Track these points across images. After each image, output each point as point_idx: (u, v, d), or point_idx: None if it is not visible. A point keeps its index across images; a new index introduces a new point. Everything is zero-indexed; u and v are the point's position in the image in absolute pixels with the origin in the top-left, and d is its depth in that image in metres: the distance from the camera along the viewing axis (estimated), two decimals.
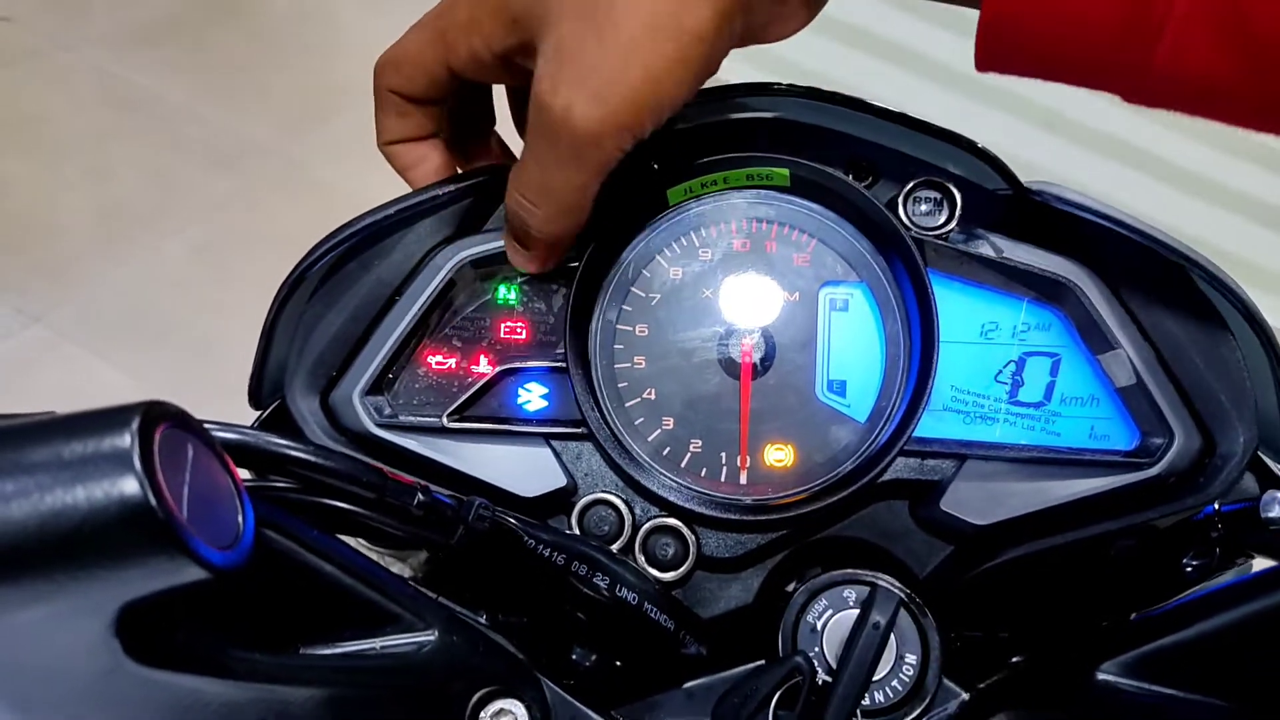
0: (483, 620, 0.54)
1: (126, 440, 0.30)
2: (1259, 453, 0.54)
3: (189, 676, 0.35)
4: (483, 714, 0.47)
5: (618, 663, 0.56)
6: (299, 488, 0.43)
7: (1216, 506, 0.50)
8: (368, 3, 3.00)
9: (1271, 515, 0.46)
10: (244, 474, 0.43)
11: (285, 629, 0.42)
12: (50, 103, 2.59)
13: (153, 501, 0.29)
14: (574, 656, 0.56)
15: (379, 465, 0.44)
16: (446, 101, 0.55)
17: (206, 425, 0.37)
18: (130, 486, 0.29)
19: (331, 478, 0.42)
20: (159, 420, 0.31)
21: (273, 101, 2.62)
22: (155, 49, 2.75)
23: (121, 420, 0.30)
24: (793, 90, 0.57)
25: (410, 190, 0.56)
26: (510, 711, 0.47)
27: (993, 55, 0.43)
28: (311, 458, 0.42)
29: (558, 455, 0.56)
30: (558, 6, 0.45)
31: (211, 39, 2.82)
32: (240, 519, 0.35)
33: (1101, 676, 0.43)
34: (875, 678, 0.50)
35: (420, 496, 0.45)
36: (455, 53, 0.50)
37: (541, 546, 0.49)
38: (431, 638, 0.44)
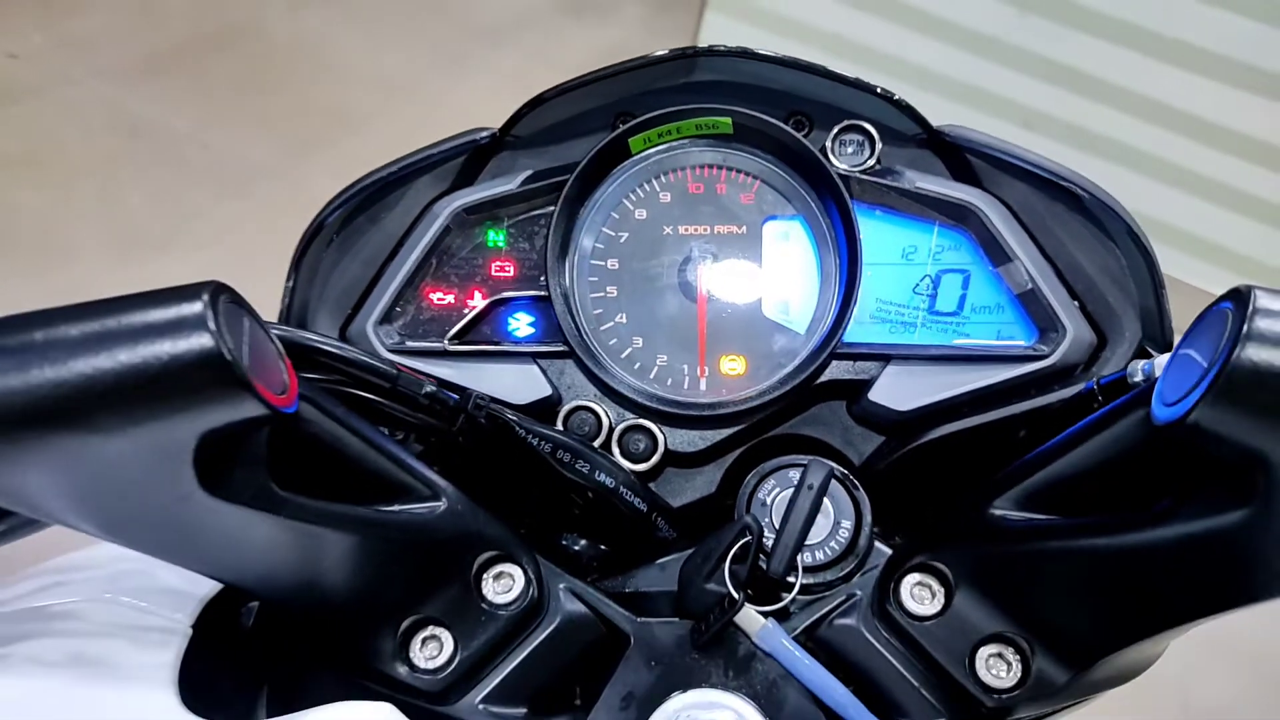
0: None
1: (200, 306, 0.39)
2: (1143, 344, 0.63)
3: (245, 510, 0.45)
4: (486, 574, 0.56)
5: (602, 547, 0.65)
6: (329, 379, 0.52)
7: (1096, 381, 0.58)
8: (365, 30, 3.13)
9: (1136, 380, 0.55)
10: None
11: (321, 487, 0.50)
12: (60, 134, 2.69)
13: (223, 349, 0.39)
14: (564, 542, 0.64)
15: (394, 360, 0.53)
16: None
17: None
18: (205, 339, 0.39)
19: (353, 368, 0.52)
20: (222, 293, 0.41)
21: (276, 126, 2.72)
22: (160, 79, 2.86)
23: (195, 291, 0.40)
24: (737, 51, 0.66)
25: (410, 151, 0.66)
26: (509, 574, 0.56)
27: None
28: (337, 350, 0.51)
29: (544, 371, 0.65)
30: None
31: (214, 67, 2.94)
32: (286, 379, 0.44)
33: (992, 512, 0.51)
34: (814, 541, 0.59)
35: (428, 387, 0.54)
36: None
37: (531, 436, 0.58)
38: (441, 506, 0.53)
